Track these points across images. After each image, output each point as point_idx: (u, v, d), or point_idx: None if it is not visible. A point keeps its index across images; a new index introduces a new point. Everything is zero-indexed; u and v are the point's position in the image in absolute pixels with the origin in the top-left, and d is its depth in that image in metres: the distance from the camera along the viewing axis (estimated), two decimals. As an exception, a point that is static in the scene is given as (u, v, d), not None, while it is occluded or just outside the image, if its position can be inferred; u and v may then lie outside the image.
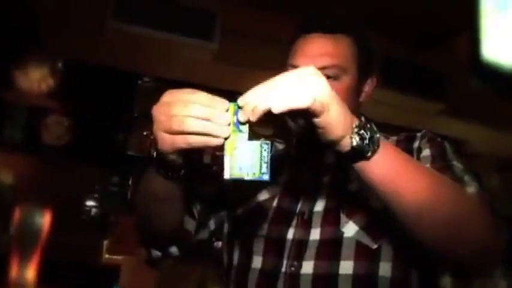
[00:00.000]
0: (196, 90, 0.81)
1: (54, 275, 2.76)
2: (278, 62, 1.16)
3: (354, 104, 1.13)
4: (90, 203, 3.52)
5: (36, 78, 3.34)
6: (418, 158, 1.10)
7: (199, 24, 2.80)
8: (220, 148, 0.80)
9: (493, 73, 2.34)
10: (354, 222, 1.08)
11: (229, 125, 0.79)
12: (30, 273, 2.73)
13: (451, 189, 0.91)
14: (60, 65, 3.46)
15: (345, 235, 1.08)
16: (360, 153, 0.83)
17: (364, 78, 1.18)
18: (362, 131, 0.82)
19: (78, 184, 3.44)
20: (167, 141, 0.81)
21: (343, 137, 0.81)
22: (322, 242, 1.09)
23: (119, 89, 3.55)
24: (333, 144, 0.83)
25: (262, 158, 0.80)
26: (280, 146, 1.32)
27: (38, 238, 2.76)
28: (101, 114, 3.55)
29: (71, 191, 3.30)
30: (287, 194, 1.19)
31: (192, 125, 0.78)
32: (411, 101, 3.37)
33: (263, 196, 1.21)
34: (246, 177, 0.81)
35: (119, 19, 2.68)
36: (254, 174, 0.81)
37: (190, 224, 1.20)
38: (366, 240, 1.07)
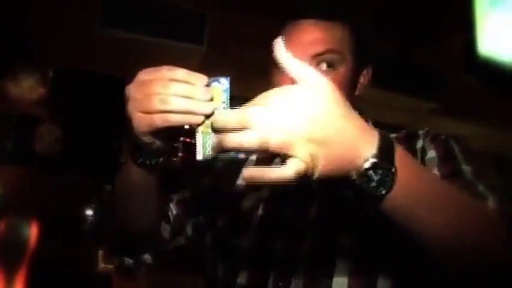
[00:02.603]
0: (173, 67, 0.76)
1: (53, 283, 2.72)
2: (268, 65, 1.06)
3: (350, 98, 1.01)
4: (85, 212, 3.48)
5: (26, 87, 3.31)
6: (423, 160, 0.99)
7: (188, 28, 2.77)
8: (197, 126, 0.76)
9: (488, 69, 2.33)
10: (349, 234, 0.97)
11: (210, 100, 0.75)
12: (17, 287, 2.68)
13: (475, 212, 0.79)
14: (50, 73, 3.43)
15: (339, 248, 0.97)
16: (363, 193, 0.66)
17: (361, 69, 1.08)
18: (370, 172, 0.64)
19: (71, 194, 3.39)
20: (144, 121, 0.76)
21: (334, 177, 0.65)
22: (313, 254, 0.98)
23: (110, 95, 3.51)
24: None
25: None
26: None
27: (24, 251, 2.72)
28: (93, 122, 3.52)
29: (63, 201, 3.26)
30: (274, 200, 1.08)
31: (173, 103, 0.73)
32: (403, 99, 3.34)
33: (247, 202, 1.10)
34: (220, 156, 0.76)
35: (107, 25, 2.65)
36: (228, 153, 0.75)
37: (165, 230, 1.11)
38: (362, 255, 0.96)
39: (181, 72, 0.75)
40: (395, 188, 0.66)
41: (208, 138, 0.76)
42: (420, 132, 1.06)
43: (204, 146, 0.76)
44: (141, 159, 0.87)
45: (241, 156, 0.75)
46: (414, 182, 0.70)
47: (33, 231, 2.79)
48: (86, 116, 3.49)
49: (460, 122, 3.55)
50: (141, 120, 0.76)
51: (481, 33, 2.43)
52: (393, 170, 0.65)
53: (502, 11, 2.56)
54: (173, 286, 2.84)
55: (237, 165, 1.18)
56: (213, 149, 0.74)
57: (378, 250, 0.96)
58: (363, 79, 1.10)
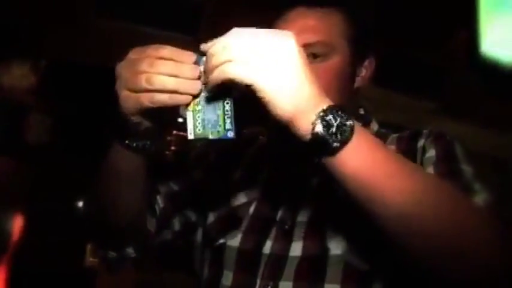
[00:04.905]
0: (162, 45, 0.74)
1: (37, 279, 2.67)
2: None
3: (347, 89, 0.99)
4: (75, 204, 3.42)
5: (18, 76, 3.26)
6: (421, 160, 0.95)
7: (185, 19, 2.72)
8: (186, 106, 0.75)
9: (490, 68, 2.30)
10: (343, 237, 0.92)
11: (198, 78, 0.73)
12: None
13: (450, 196, 0.75)
14: (43, 62, 3.38)
15: (331, 253, 0.92)
16: (322, 144, 0.68)
17: (360, 60, 1.03)
18: (329, 117, 0.67)
19: (61, 185, 3.34)
20: (131, 99, 0.74)
21: (294, 117, 0.68)
22: (303, 259, 0.93)
23: (103, 86, 3.46)
24: (287, 127, 0.69)
25: (226, 112, 0.74)
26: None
27: (6, 244, 2.65)
28: (85, 113, 3.47)
29: (52, 193, 3.20)
30: (266, 199, 1.04)
31: (159, 82, 0.72)
32: (403, 99, 3.31)
33: (238, 200, 1.06)
34: (211, 136, 0.75)
35: (102, 14, 2.61)
36: (218, 132, 0.75)
37: (151, 223, 1.06)
38: (356, 260, 0.91)
39: (167, 50, 0.73)
40: (354, 141, 0.68)
41: (199, 117, 0.74)
42: (424, 131, 1.00)
43: (194, 125, 0.75)
44: (127, 141, 0.84)
45: (231, 135, 0.74)
46: (375, 147, 0.72)
47: (17, 224, 2.72)
48: (78, 107, 3.44)
49: (458, 123, 3.51)
50: (128, 99, 0.75)
51: (484, 32, 2.40)
52: (351, 121, 0.68)
53: (506, 12, 2.53)
54: (160, 284, 2.79)
55: (229, 159, 1.14)
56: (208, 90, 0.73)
57: (370, 257, 0.91)
58: (364, 72, 1.05)
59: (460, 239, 0.72)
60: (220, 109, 0.74)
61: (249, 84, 0.67)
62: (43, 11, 2.78)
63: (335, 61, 0.96)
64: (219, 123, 0.74)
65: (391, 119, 3.38)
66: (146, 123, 0.80)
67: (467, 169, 0.89)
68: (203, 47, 0.73)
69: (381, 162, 0.71)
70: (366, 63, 1.05)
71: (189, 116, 0.75)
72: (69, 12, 2.75)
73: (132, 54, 0.76)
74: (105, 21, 2.66)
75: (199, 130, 0.75)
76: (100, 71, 3.34)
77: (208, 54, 0.71)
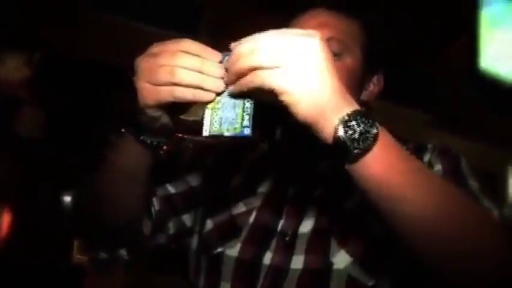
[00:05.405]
0: (186, 39, 0.73)
1: (24, 276, 2.62)
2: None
3: (354, 97, 0.98)
4: (63, 199, 3.38)
5: (11, 68, 3.22)
6: None
7: (185, 16, 2.68)
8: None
9: (487, 83, 2.30)
10: (347, 251, 0.90)
11: (222, 78, 0.72)
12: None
13: (470, 203, 0.76)
14: (37, 55, 3.34)
15: (335, 266, 0.89)
16: (343, 149, 0.67)
17: (370, 73, 1.03)
18: (353, 122, 0.66)
19: (53, 180, 3.29)
20: (151, 92, 0.73)
21: (318, 120, 0.67)
22: (305, 272, 0.91)
23: (97, 81, 3.44)
24: (309, 130, 0.69)
25: (245, 110, 0.73)
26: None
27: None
28: (77, 108, 3.43)
29: (42, 187, 3.16)
30: (267, 208, 1.00)
31: (182, 76, 0.70)
32: (397, 110, 3.30)
33: (238, 209, 1.03)
34: (226, 133, 0.73)
35: (98, 9, 2.58)
36: (235, 129, 0.73)
37: (146, 226, 1.04)
38: (360, 274, 0.89)
39: (194, 45, 0.73)
40: (376, 149, 0.67)
41: (217, 115, 0.73)
42: (429, 146, 0.99)
43: (211, 123, 0.73)
44: (142, 137, 0.83)
45: (247, 132, 0.73)
46: (394, 154, 0.71)
47: (5, 220, 2.68)
48: (71, 102, 3.40)
49: (455, 136, 3.52)
50: (147, 92, 0.73)
51: (484, 47, 2.41)
52: (375, 129, 0.67)
53: (505, 28, 2.54)
54: (151, 286, 2.76)
55: (228, 165, 1.12)
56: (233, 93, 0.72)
57: (375, 271, 0.89)
58: (372, 87, 1.04)
59: (476, 241, 0.72)
60: (240, 107, 0.73)
61: (275, 89, 0.66)
62: (38, 4, 2.74)
63: (347, 61, 0.96)
64: (237, 121, 0.73)
65: (386, 129, 3.38)
66: (163, 119, 0.78)
67: (474, 184, 0.89)
68: (232, 46, 0.71)
69: (402, 169, 0.71)
70: (375, 79, 1.04)
71: (207, 113, 0.74)
72: (64, 6, 2.72)
73: (153, 49, 0.74)
74: (101, 16, 2.63)
75: (215, 127, 0.74)
76: (94, 66, 3.33)
77: (234, 54, 0.70)
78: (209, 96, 0.72)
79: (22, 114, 3.31)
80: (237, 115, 0.73)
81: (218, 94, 0.73)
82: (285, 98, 0.66)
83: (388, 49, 1.07)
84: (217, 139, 0.74)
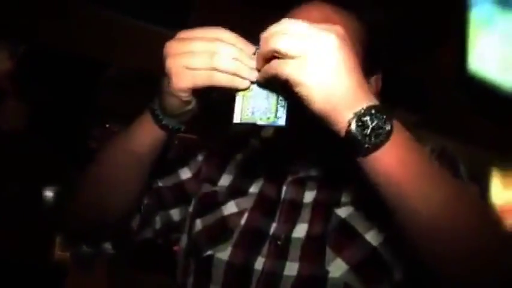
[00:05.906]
0: (224, 29, 0.75)
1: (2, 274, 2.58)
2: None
3: None
4: (45, 193, 3.32)
5: (-6, 59, 3.16)
6: None
7: (174, 12, 2.64)
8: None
9: (476, 87, 2.31)
10: (343, 258, 0.88)
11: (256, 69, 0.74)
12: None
13: (478, 200, 0.79)
14: (21, 47, 3.28)
15: (331, 275, 0.87)
16: (355, 143, 0.68)
17: (368, 73, 0.99)
18: (366, 118, 0.67)
19: (35, 175, 3.24)
20: (186, 76, 0.74)
21: (332, 113, 0.68)
22: (299, 279, 0.88)
23: (83, 76, 3.40)
24: (323, 122, 0.70)
25: (279, 101, 0.74)
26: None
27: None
28: (63, 101, 3.38)
29: (23, 181, 3.10)
30: (259, 210, 0.98)
31: (222, 61, 0.72)
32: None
33: (228, 210, 1.00)
34: (259, 122, 0.74)
35: (84, 2, 2.54)
36: (268, 118, 0.74)
37: (134, 220, 1.02)
38: (357, 283, 0.87)
39: (230, 35, 0.75)
40: (388, 145, 0.68)
41: (249, 103, 0.74)
42: (427, 147, 0.98)
43: (243, 110, 0.74)
44: (164, 121, 0.83)
45: (282, 122, 0.74)
46: (407, 151, 0.71)
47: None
48: (54, 95, 3.36)
49: (442, 138, 3.54)
50: (183, 75, 0.73)
51: (472, 51, 2.42)
52: (389, 126, 0.68)
53: (493, 32, 2.55)
54: (134, 285, 2.72)
55: (218, 162, 1.09)
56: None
57: (371, 279, 0.88)
58: (370, 87, 1.01)
59: (481, 244, 0.72)
60: (273, 97, 0.74)
61: (290, 80, 0.67)
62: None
63: None
64: (271, 110, 0.74)
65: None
66: (192, 104, 0.79)
67: (472, 186, 0.91)
68: (261, 35, 0.73)
69: (414, 167, 0.71)
70: (373, 79, 1.02)
71: (239, 100, 0.75)
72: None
73: (183, 34, 0.76)
74: (87, 9, 2.59)
75: (247, 115, 0.75)
76: (79, 60, 3.28)
77: (261, 40, 0.71)
78: (245, 84, 0.74)
79: (5, 107, 3.25)
80: (270, 104, 0.74)
81: (252, 83, 0.75)
82: (299, 89, 0.67)
83: (386, 49, 1.04)
84: (245, 126, 0.75)
